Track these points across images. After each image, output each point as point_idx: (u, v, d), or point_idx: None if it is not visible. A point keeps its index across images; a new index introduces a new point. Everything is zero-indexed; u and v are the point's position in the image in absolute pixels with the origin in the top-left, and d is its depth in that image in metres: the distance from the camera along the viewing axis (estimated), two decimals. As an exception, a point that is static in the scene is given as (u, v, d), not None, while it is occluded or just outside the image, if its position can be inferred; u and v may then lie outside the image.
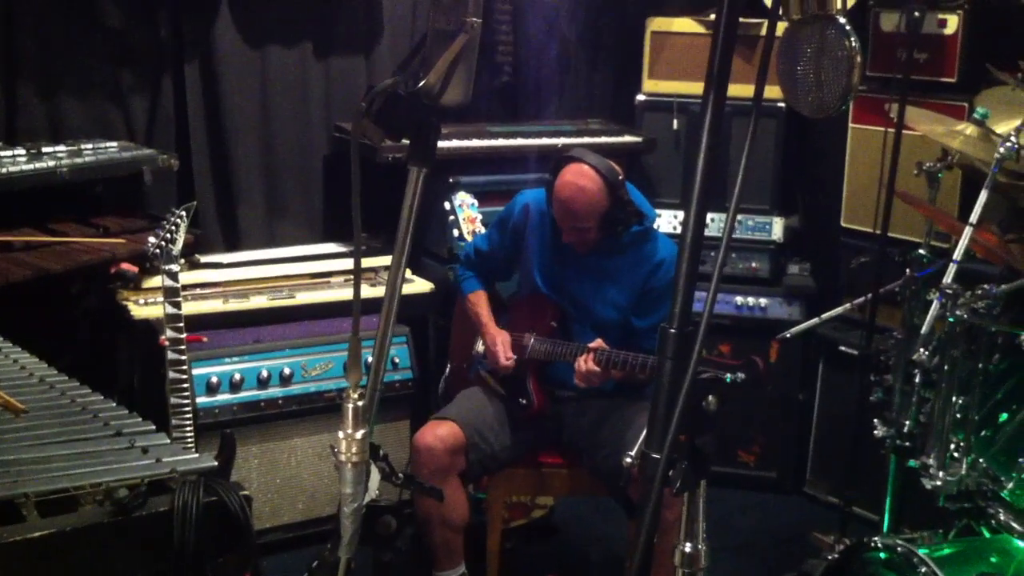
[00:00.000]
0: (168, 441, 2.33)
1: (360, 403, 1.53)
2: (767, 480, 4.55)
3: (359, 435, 1.54)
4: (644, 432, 3.11)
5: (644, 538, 1.11)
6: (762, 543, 4.07)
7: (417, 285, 4.08)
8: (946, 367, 2.82)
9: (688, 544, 1.28)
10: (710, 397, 1.21)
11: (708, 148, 1.17)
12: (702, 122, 1.22)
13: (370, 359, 1.72)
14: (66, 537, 1.98)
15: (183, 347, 3.17)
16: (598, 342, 3.19)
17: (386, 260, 4.10)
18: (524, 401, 3.37)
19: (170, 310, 3.15)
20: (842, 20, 1.39)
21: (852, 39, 1.36)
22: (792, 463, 4.55)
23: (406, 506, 3.18)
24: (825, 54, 1.39)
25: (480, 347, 3.50)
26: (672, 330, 1.17)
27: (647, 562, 1.09)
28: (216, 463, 2.26)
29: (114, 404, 2.49)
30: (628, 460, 1.25)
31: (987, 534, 2.87)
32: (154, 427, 2.39)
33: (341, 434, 1.56)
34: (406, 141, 1.68)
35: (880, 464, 3.38)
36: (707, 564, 1.30)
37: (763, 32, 4.28)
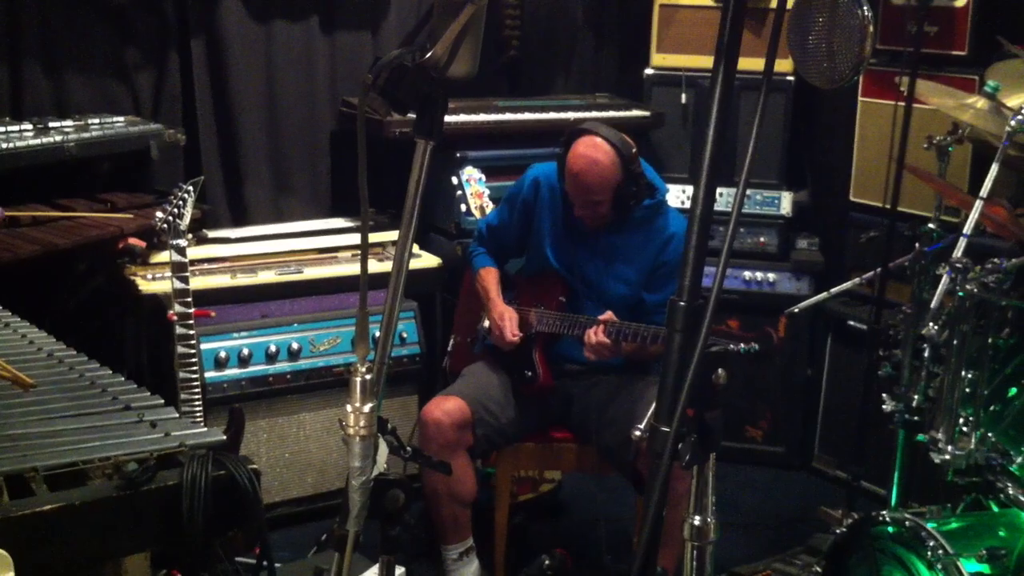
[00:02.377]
0: (177, 415, 2.33)
1: (368, 376, 1.53)
2: (775, 455, 4.55)
3: (367, 408, 1.54)
4: (653, 407, 3.14)
5: (654, 511, 1.11)
6: (769, 518, 4.08)
7: (424, 260, 4.08)
8: (955, 342, 2.81)
9: (697, 517, 1.28)
10: (720, 371, 1.21)
11: (718, 120, 1.16)
12: (712, 95, 1.21)
13: (378, 333, 1.72)
14: (75, 511, 1.98)
15: (191, 322, 3.18)
16: (608, 314, 3.18)
17: (393, 235, 4.10)
18: (530, 374, 3.36)
19: (178, 285, 3.16)
20: (854, -11, 1.38)
21: (864, 8, 1.35)
22: (800, 438, 4.55)
23: (414, 480, 3.20)
24: (837, 24, 1.37)
25: (486, 322, 3.49)
26: (682, 303, 1.17)
27: (656, 534, 1.10)
28: (225, 437, 2.27)
29: (122, 378, 2.49)
30: (637, 433, 1.24)
31: (995, 508, 2.87)
32: (162, 401, 2.39)
33: (349, 408, 1.56)
34: (412, 115, 1.67)
35: (888, 439, 3.37)
36: (716, 537, 1.30)
37: (771, 5, 4.26)
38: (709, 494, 1.27)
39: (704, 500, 1.27)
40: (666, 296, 3.33)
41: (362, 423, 1.54)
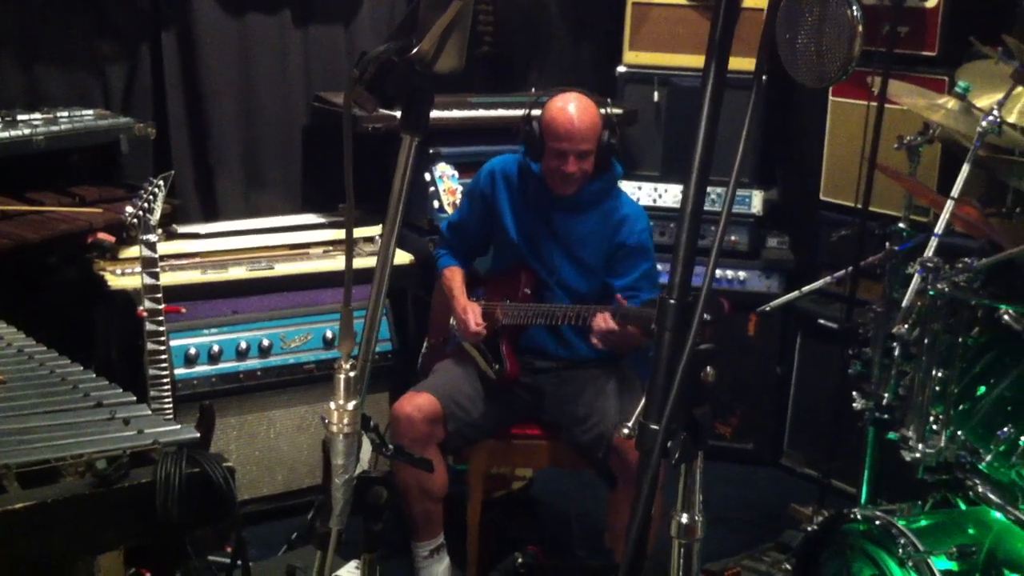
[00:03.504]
0: (149, 412, 2.31)
1: (352, 374, 1.52)
2: (744, 452, 4.57)
3: (351, 406, 1.53)
4: (628, 401, 3.15)
5: (642, 509, 1.11)
6: (740, 515, 4.09)
7: (397, 256, 4.04)
8: (926, 340, 2.83)
9: (685, 515, 1.29)
10: (708, 368, 1.21)
11: (710, 117, 1.17)
12: (703, 93, 1.21)
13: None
14: (48, 509, 1.96)
15: (161, 318, 3.15)
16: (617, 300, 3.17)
17: (368, 231, 4.09)
18: (497, 366, 3.36)
19: (148, 281, 3.13)
20: (844, -12, 1.38)
21: (854, 8, 1.35)
22: (769, 435, 4.58)
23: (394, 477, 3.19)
24: (826, 23, 1.37)
25: (454, 322, 3.48)
26: (672, 301, 1.17)
27: (644, 533, 1.09)
28: (198, 434, 2.25)
29: (93, 375, 2.47)
30: (625, 431, 1.24)
31: (963, 506, 2.90)
32: (135, 398, 2.37)
33: (332, 405, 1.54)
34: (394, 112, 1.67)
35: (856, 436, 3.40)
36: (703, 535, 1.31)
37: (746, 3, 4.26)
38: (697, 492, 1.27)
39: (692, 498, 1.27)
40: (632, 279, 3.37)
41: (346, 420, 1.53)
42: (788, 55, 1.49)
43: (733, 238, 4.50)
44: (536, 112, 3.30)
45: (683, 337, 1.14)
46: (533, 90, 4.21)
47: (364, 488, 1.58)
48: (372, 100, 1.53)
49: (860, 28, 1.37)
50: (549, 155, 3.26)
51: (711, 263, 1.19)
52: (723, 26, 1.16)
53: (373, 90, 1.52)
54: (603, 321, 3.13)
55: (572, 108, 3.21)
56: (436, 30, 1.44)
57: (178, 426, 2.27)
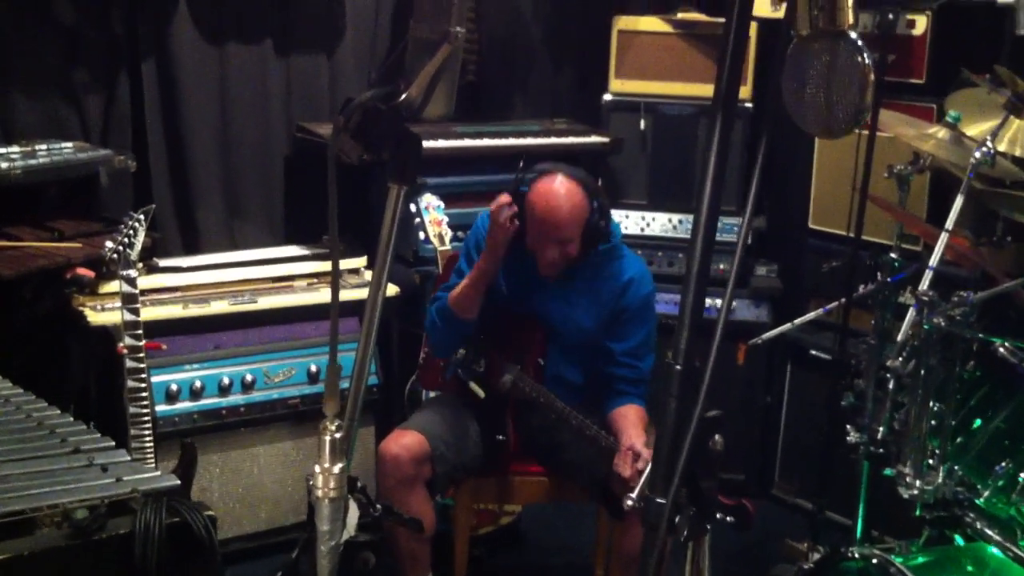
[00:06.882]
0: (128, 458, 2.26)
1: (338, 435, 1.46)
2: (734, 483, 4.51)
3: (337, 469, 1.46)
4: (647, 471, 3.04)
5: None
6: (729, 546, 4.04)
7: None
8: (922, 373, 2.79)
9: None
10: (716, 436, 1.16)
11: (712, 195, 1.12)
12: (708, 148, 1.16)
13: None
14: (23, 562, 1.91)
15: (142, 355, 3.09)
16: (639, 448, 3.02)
17: (351, 262, 4.02)
18: (502, 438, 3.29)
19: (128, 317, 3.08)
20: (853, 35, 1.33)
21: (864, 55, 1.30)
22: (759, 466, 4.52)
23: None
24: (835, 72, 1.32)
25: (460, 352, 3.37)
26: (677, 366, 1.12)
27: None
28: (179, 481, 2.19)
29: (71, 419, 2.42)
30: (629, 503, 1.19)
31: (961, 541, 2.85)
32: (113, 443, 2.31)
33: (317, 468, 1.48)
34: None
35: (847, 467, 3.35)
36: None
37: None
38: (706, 569, 1.22)
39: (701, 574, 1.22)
40: (633, 345, 3.29)
41: (332, 485, 1.46)
42: (795, 106, 1.43)
43: (721, 266, 4.45)
44: (523, 189, 3.18)
45: (689, 405, 1.09)
46: (512, 144, 4.13)
47: (351, 555, 1.52)
48: (357, 147, 1.48)
49: (871, 76, 1.31)
50: (530, 236, 3.19)
51: (722, 316, 1.14)
52: (731, 65, 1.11)
53: (358, 137, 1.46)
54: (627, 470, 2.96)
55: (554, 198, 3.10)
56: (424, 76, 1.38)
57: (158, 473, 2.22)
